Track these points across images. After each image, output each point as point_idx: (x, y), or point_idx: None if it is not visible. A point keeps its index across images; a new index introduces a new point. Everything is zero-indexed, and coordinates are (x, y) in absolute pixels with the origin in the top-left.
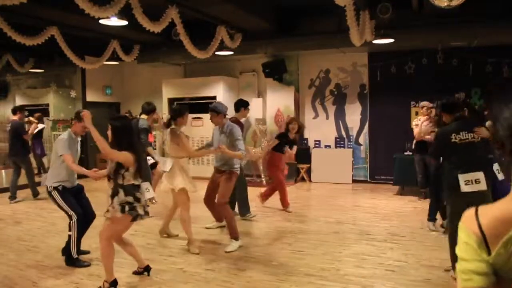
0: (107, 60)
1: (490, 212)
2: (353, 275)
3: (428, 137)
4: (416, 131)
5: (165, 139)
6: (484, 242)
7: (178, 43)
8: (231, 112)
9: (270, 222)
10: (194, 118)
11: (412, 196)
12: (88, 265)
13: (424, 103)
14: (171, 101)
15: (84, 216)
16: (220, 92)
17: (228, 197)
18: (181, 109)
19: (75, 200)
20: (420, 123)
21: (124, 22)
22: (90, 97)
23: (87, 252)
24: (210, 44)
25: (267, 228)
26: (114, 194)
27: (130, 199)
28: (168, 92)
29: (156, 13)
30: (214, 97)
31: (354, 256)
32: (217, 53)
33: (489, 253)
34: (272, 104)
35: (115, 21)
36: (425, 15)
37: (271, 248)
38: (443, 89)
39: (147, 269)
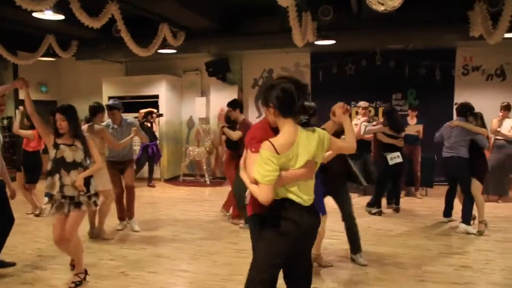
0: (42, 56)
1: (278, 141)
2: None
3: (367, 136)
4: (355, 130)
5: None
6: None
7: (119, 40)
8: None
9: None
10: (136, 117)
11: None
12: (14, 265)
13: (361, 103)
14: (111, 99)
15: (3, 219)
16: (163, 91)
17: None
18: (101, 105)
19: None
20: (360, 123)
21: (61, 17)
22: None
23: (13, 264)
24: (152, 42)
25: None
26: None
27: None
28: (108, 91)
29: (95, 8)
30: (156, 96)
31: None
32: (159, 51)
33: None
34: (215, 104)
35: (50, 15)
36: (364, 18)
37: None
38: (381, 89)
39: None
